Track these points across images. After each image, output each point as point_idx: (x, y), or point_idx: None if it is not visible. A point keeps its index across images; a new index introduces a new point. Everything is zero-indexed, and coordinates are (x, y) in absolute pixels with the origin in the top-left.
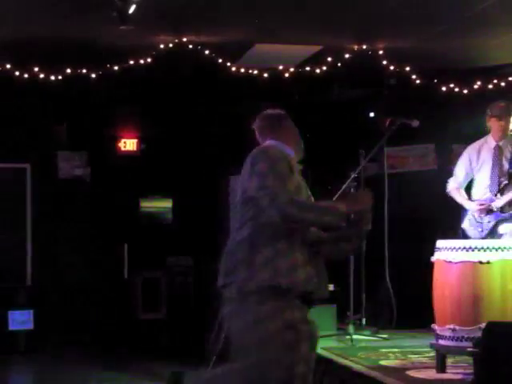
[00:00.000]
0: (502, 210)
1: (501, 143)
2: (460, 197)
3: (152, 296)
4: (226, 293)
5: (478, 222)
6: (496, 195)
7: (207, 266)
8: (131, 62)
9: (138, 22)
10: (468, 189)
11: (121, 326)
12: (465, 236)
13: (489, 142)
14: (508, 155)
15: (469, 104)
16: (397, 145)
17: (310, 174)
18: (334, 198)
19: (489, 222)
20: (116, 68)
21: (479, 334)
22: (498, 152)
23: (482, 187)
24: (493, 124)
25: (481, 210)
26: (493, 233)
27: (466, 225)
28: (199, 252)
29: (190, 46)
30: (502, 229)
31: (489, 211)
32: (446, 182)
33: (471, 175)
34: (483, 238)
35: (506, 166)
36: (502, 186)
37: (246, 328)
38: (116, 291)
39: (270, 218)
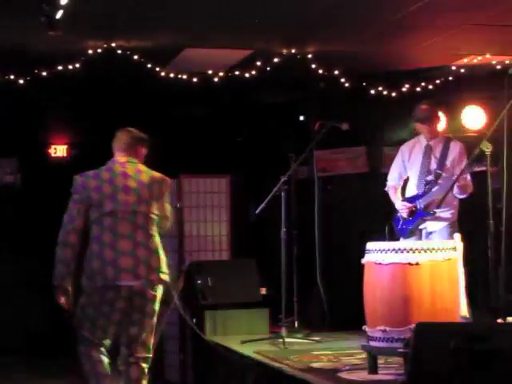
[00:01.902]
0: (425, 209)
1: (431, 142)
2: (393, 195)
3: None
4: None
5: (402, 220)
6: (422, 194)
7: None
8: (60, 68)
9: (66, 28)
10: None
11: (55, 333)
12: (392, 234)
13: (421, 141)
14: (437, 155)
15: (398, 106)
16: (328, 148)
17: (242, 178)
18: (264, 203)
19: (411, 220)
20: (45, 74)
21: (410, 334)
22: (429, 151)
23: (412, 185)
24: (419, 128)
25: (404, 211)
26: (413, 231)
27: (394, 223)
28: None
29: (119, 52)
30: (430, 226)
31: (412, 212)
32: (378, 184)
33: (405, 173)
34: (405, 236)
35: (433, 165)
36: (427, 185)
37: None
38: (49, 299)
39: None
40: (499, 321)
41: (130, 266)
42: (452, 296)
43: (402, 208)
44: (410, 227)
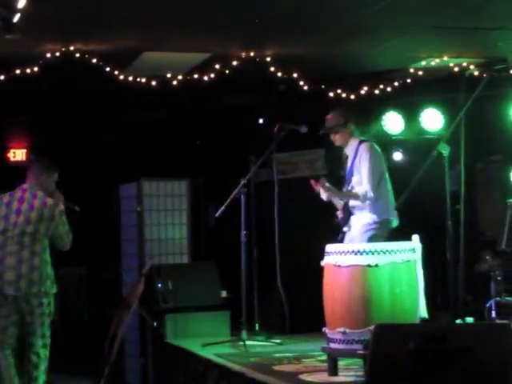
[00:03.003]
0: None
1: (346, 151)
2: None
3: None
4: None
5: None
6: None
7: (101, 275)
8: (18, 72)
9: (23, 31)
10: None
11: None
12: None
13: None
14: (349, 163)
15: (357, 109)
16: (287, 150)
17: (202, 181)
18: (224, 206)
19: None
20: (2, 78)
21: (369, 336)
22: (345, 161)
23: None
24: (331, 139)
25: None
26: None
27: None
28: (92, 262)
29: (78, 55)
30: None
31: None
32: (337, 187)
33: None
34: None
35: (347, 174)
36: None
37: None
38: None
39: None
40: (458, 321)
41: (14, 279)
42: (411, 297)
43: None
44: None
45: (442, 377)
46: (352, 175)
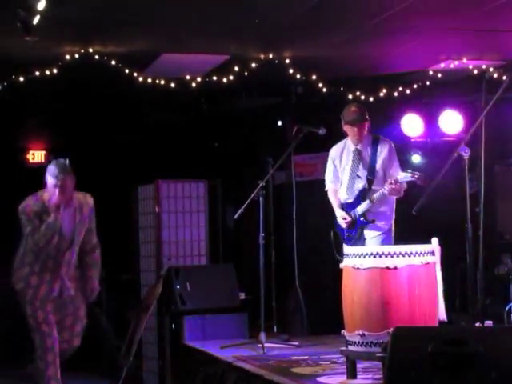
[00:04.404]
0: (363, 217)
1: (359, 146)
2: (333, 200)
3: None
4: None
5: (345, 228)
6: (357, 202)
7: (119, 276)
8: (37, 73)
9: (43, 33)
10: None
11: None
12: (337, 240)
13: (348, 145)
14: (367, 159)
15: (375, 111)
16: (305, 153)
17: (220, 183)
18: (242, 208)
19: (353, 230)
20: (22, 79)
21: (388, 339)
22: (357, 156)
23: (344, 190)
24: (347, 130)
25: (343, 223)
26: (359, 239)
27: (339, 230)
28: (110, 263)
29: (97, 57)
30: (365, 234)
31: (352, 223)
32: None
33: (339, 177)
34: (351, 244)
35: (363, 171)
36: (362, 193)
37: None
38: None
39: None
40: (477, 324)
41: None
42: (430, 300)
43: (341, 220)
44: (355, 236)
45: (461, 380)
46: (375, 171)
